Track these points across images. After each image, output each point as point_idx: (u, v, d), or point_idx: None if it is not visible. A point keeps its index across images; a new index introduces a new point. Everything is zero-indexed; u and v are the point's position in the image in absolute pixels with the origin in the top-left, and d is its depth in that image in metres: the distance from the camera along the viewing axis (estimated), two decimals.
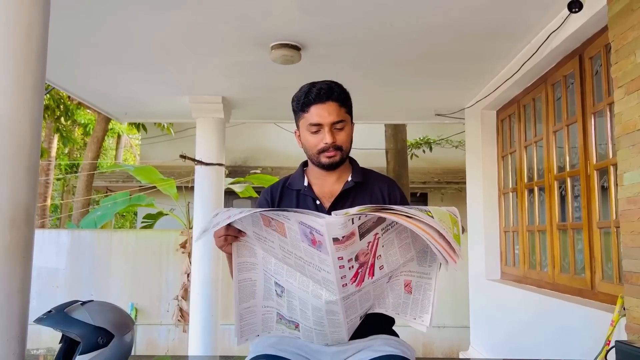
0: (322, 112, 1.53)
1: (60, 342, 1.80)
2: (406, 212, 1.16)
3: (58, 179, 16.60)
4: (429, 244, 1.16)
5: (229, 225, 1.33)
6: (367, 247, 1.23)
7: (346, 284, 1.24)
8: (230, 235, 1.35)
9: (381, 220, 1.21)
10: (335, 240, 1.15)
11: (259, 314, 1.42)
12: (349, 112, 1.60)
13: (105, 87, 4.55)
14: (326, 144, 1.53)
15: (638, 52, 2.21)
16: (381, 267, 1.28)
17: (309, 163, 1.65)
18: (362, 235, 1.20)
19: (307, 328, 1.38)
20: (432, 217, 1.18)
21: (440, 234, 1.17)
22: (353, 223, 1.16)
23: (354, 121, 1.64)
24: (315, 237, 1.17)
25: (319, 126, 1.54)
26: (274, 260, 1.34)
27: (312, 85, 1.56)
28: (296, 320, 1.39)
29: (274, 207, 1.63)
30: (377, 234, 1.23)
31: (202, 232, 1.30)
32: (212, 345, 4.75)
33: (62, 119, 10.41)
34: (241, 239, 1.36)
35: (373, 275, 1.27)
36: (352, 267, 1.22)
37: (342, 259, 1.19)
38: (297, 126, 1.62)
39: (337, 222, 1.14)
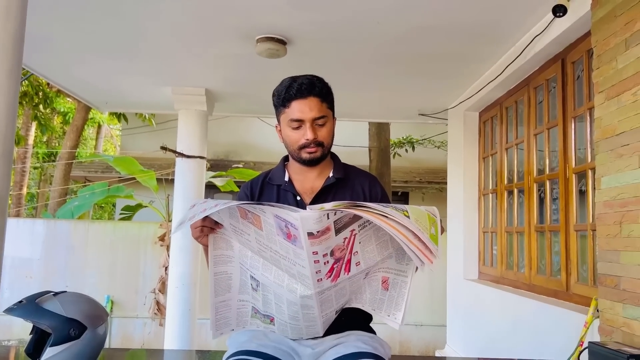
0: (303, 108, 1.50)
1: (31, 334, 1.76)
2: (382, 211, 1.15)
3: (35, 168, 16.30)
4: (402, 245, 1.16)
5: (205, 217, 1.31)
6: (344, 242, 1.22)
7: (321, 279, 1.23)
8: (207, 227, 1.34)
9: (358, 216, 1.20)
10: (310, 234, 1.14)
11: (234, 307, 1.40)
12: (331, 107, 1.58)
13: (86, 76, 4.46)
14: (307, 140, 1.52)
15: (620, 58, 2.24)
16: (357, 264, 1.27)
17: (290, 158, 1.64)
18: (337, 231, 1.19)
19: (282, 322, 1.37)
20: (408, 216, 1.17)
21: (416, 235, 1.16)
22: (328, 218, 1.15)
23: (335, 116, 1.63)
24: (290, 231, 1.16)
25: (300, 122, 1.52)
26: (250, 253, 1.33)
27: (294, 79, 1.53)
28: (271, 314, 1.38)
29: (253, 199, 1.62)
30: (353, 230, 1.22)
31: (179, 224, 1.28)
32: (189, 340, 4.71)
33: (41, 106, 10.20)
34: (218, 231, 1.35)
35: (349, 271, 1.26)
36: (327, 262, 1.21)
37: (316, 253, 1.18)
38: (278, 121, 1.60)
39: (311, 217, 1.13)
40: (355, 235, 1.23)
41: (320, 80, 1.56)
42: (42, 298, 1.69)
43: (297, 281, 1.25)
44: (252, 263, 1.33)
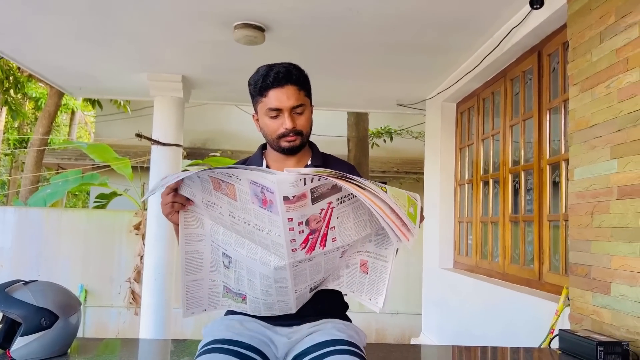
0: (281, 97, 1.48)
1: (0, 323, 1.72)
2: (360, 182, 1.16)
3: (6, 154, 15.90)
4: (378, 217, 1.16)
5: (176, 193, 1.31)
6: (320, 214, 1.21)
7: (295, 249, 1.22)
8: (178, 203, 1.32)
9: (336, 189, 1.20)
10: (286, 199, 1.13)
11: (206, 287, 1.40)
12: (308, 95, 1.57)
13: (59, 60, 4.34)
14: (286, 129, 1.50)
15: (594, 51, 2.27)
16: (334, 239, 1.27)
17: (268, 146, 1.62)
18: (314, 200, 1.18)
19: (254, 299, 1.37)
20: (386, 192, 1.17)
21: (393, 210, 1.16)
22: (305, 184, 1.14)
23: (313, 104, 1.62)
24: (266, 196, 1.15)
25: (278, 111, 1.50)
26: (222, 229, 1.32)
27: (270, 67, 1.51)
28: (243, 292, 1.37)
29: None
30: (330, 202, 1.22)
31: (150, 191, 1.26)
32: (164, 329, 4.67)
33: (12, 91, 9.93)
34: (189, 208, 1.34)
35: (324, 245, 1.26)
36: (302, 231, 1.20)
37: (292, 220, 1.17)
38: (255, 110, 1.58)
39: (287, 180, 1.12)
40: (332, 208, 1.23)
41: (297, 68, 1.53)
42: (12, 287, 1.65)
43: (271, 252, 1.25)
44: (224, 239, 1.32)
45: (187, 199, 1.33)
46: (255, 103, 1.56)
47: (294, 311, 1.41)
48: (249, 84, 1.55)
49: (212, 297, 1.41)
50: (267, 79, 1.49)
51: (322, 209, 1.21)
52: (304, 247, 1.23)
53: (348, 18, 3.20)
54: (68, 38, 3.78)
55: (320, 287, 1.42)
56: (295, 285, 1.32)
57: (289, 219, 1.16)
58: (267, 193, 1.14)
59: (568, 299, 2.43)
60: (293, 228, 1.18)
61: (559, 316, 2.48)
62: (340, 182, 1.13)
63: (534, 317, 2.82)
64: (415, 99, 5.11)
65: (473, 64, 3.73)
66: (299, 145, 1.55)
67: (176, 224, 1.37)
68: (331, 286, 1.42)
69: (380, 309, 1.37)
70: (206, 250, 1.36)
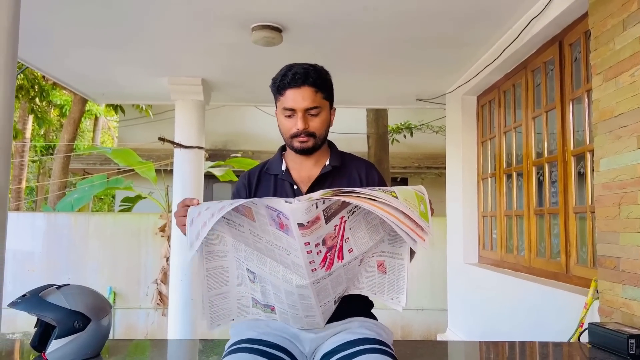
0: (296, 97, 1.50)
1: (35, 327, 1.77)
2: (369, 195, 1.16)
3: (33, 161, 16.27)
4: (393, 226, 1.16)
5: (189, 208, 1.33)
6: (334, 230, 1.22)
7: (315, 269, 1.23)
8: None
9: (346, 203, 1.20)
10: (301, 225, 1.14)
11: (234, 299, 1.41)
12: (327, 97, 1.57)
13: (82, 68, 4.44)
14: (298, 129, 1.52)
15: (617, 39, 2.23)
16: (350, 250, 1.28)
17: (287, 148, 1.64)
18: (327, 219, 1.19)
19: (282, 311, 1.38)
20: (397, 197, 1.17)
21: (406, 215, 1.16)
22: (317, 207, 1.15)
23: (335, 106, 1.62)
24: (282, 221, 1.16)
25: (292, 111, 1.52)
26: (244, 247, 1.33)
27: (289, 68, 1.53)
28: (271, 303, 1.39)
29: (251, 191, 1.63)
30: (343, 217, 1.23)
31: (190, 245, 1.28)
32: (192, 329, 4.74)
33: (37, 99, 10.15)
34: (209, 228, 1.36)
35: (342, 258, 1.27)
36: (320, 251, 1.21)
37: (309, 244, 1.18)
38: (276, 107, 1.61)
39: (300, 208, 1.13)
40: (345, 221, 1.23)
41: (316, 70, 1.54)
42: (45, 291, 1.70)
43: (292, 271, 1.26)
44: (246, 256, 1.34)
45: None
46: (275, 101, 1.59)
47: (322, 325, 1.42)
48: (270, 84, 1.58)
49: (241, 308, 1.42)
50: (285, 79, 1.51)
51: (336, 225, 1.22)
52: (323, 266, 1.24)
53: (365, 16, 3.20)
54: (90, 46, 3.86)
55: (343, 294, 1.42)
56: (319, 302, 1.32)
57: (305, 243, 1.18)
58: (283, 218, 1.15)
59: (597, 291, 2.39)
60: (311, 251, 1.19)
61: (588, 309, 2.44)
62: (351, 200, 1.14)
63: (562, 311, 2.79)
64: (434, 94, 5.07)
65: (493, 56, 3.69)
66: (311, 147, 1.56)
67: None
68: (352, 291, 1.42)
69: (403, 307, 1.37)
70: (231, 265, 1.37)
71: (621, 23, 2.20)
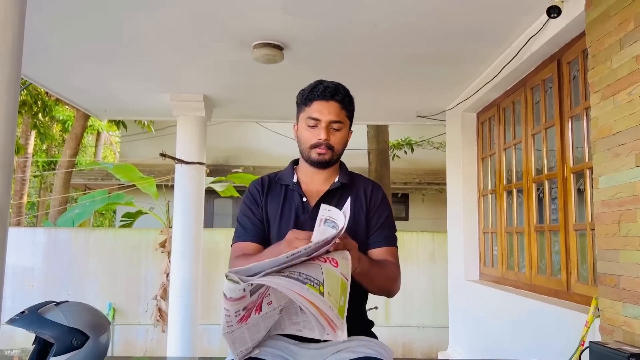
0: (322, 109, 1.57)
1: (33, 344, 1.77)
2: (298, 276, 1.15)
3: (35, 176, 16.31)
4: (309, 313, 1.15)
5: None
6: (258, 297, 1.22)
7: (231, 325, 1.23)
8: None
9: (268, 287, 1.21)
10: (225, 296, 1.15)
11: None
12: (349, 116, 1.65)
13: (85, 84, 4.48)
14: (320, 140, 1.57)
15: (614, 58, 2.25)
16: (269, 303, 1.27)
17: (300, 161, 1.69)
18: (252, 292, 1.18)
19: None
20: (322, 293, 1.15)
21: (329, 308, 1.16)
22: (245, 291, 1.15)
23: (352, 130, 1.69)
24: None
25: (317, 121, 1.57)
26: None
27: (320, 82, 1.62)
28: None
29: (263, 195, 1.66)
30: (268, 287, 1.23)
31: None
32: (191, 346, 4.71)
33: (40, 115, 10.22)
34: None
35: (260, 311, 1.26)
36: (239, 314, 1.21)
37: (228, 311, 1.18)
38: (297, 119, 1.66)
39: (230, 289, 1.13)
40: (268, 288, 1.22)
41: (345, 89, 1.64)
42: (44, 308, 1.70)
43: None
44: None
45: None
46: (298, 112, 1.65)
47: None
48: (298, 94, 1.64)
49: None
50: (315, 91, 1.59)
51: (260, 293, 1.22)
52: (240, 321, 1.24)
53: (365, 33, 3.23)
54: (93, 63, 3.90)
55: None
56: (235, 350, 1.33)
57: (225, 309, 1.18)
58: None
59: (598, 309, 2.38)
60: (229, 315, 1.19)
61: (589, 328, 2.43)
62: (277, 287, 1.13)
63: (563, 329, 2.77)
64: (435, 110, 5.10)
65: (492, 73, 3.72)
66: (328, 160, 1.60)
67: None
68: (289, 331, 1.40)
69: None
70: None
71: (618, 42, 2.22)
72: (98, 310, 1.84)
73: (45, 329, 1.65)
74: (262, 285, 1.18)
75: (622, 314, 2.17)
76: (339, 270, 1.23)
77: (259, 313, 1.27)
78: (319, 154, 1.58)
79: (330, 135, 1.58)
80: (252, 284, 1.14)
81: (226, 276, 1.12)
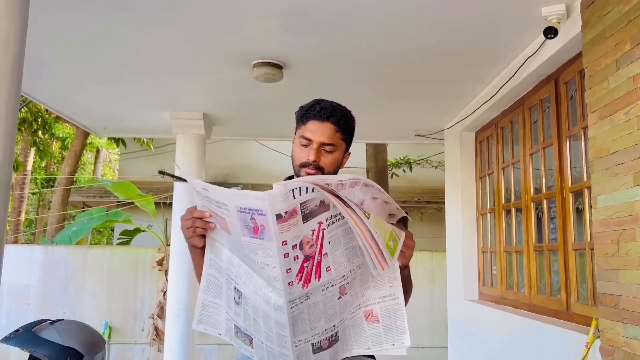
0: (316, 130, 1.54)
1: None
2: (345, 199, 1.17)
3: (34, 193, 16.28)
4: (357, 238, 1.17)
5: (195, 215, 1.33)
6: (312, 235, 1.20)
7: (292, 282, 1.20)
8: (199, 227, 1.34)
9: (324, 206, 1.20)
10: (279, 217, 1.12)
11: (223, 317, 1.39)
12: (345, 139, 1.61)
13: (84, 102, 4.49)
14: (308, 160, 1.55)
15: (611, 78, 2.27)
16: (328, 269, 1.25)
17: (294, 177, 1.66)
18: (304, 218, 1.17)
19: (259, 343, 1.34)
20: (368, 218, 1.19)
21: (372, 237, 1.18)
22: (294, 197, 1.13)
23: (349, 152, 1.66)
24: (256, 222, 1.13)
25: (309, 141, 1.55)
26: (237, 260, 1.31)
27: (319, 101, 1.59)
28: (250, 333, 1.35)
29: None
30: (321, 222, 1.21)
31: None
32: None
33: (40, 132, 10.24)
34: (211, 235, 1.35)
35: (319, 276, 1.23)
36: (297, 257, 1.18)
37: (286, 244, 1.15)
38: (295, 134, 1.65)
39: (278, 194, 1.11)
40: (323, 230, 1.21)
41: (343, 111, 1.60)
42: (38, 327, 1.68)
43: (271, 288, 1.23)
44: (237, 272, 1.31)
45: (207, 222, 1.34)
46: (296, 128, 1.63)
47: None
48: (297, 110, 1.62)
49: (228, 330, 1.41)
50: (312, 110, 1.57)
51: (314, 230, 1.20)
52: (300, 279, 1.21)
53: (363, 52, 3.26)
54: (93, 81, 3.92)
55: (334, 357, 1.37)
56: (294, 336, 1.27)
57: (283, 242, 1.14)
58: (258, 217, 1.13)
59: (598, 330, 2.36)
60: (288, 254, 1.16)
61: (589, 349, 2.40)
62: (327, 195, 1.14)
63: (563, 350, 2.74)
64: (433, 129, 5.12)
65: (490, 93, 3.75)
66: None
67: (194, 248, 1.41)
68: (347, 354, 1.37)
69: (407, 348, 1.34)
70: (223, 283, 1.37)
71: (615, 63, 2.24)
72: (93, 329, 1.82)
73: (39, 348, 1.63)
74: (313, 215, 1.17)
75: (622, 334, 2.15)
76: (389, 226, 1.26)
77: (318, 279, 1.23)
78: (307, 174, 1.55)
79: (321, 157, 1.55)
80: (300, 193, 1.12)
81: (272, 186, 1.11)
